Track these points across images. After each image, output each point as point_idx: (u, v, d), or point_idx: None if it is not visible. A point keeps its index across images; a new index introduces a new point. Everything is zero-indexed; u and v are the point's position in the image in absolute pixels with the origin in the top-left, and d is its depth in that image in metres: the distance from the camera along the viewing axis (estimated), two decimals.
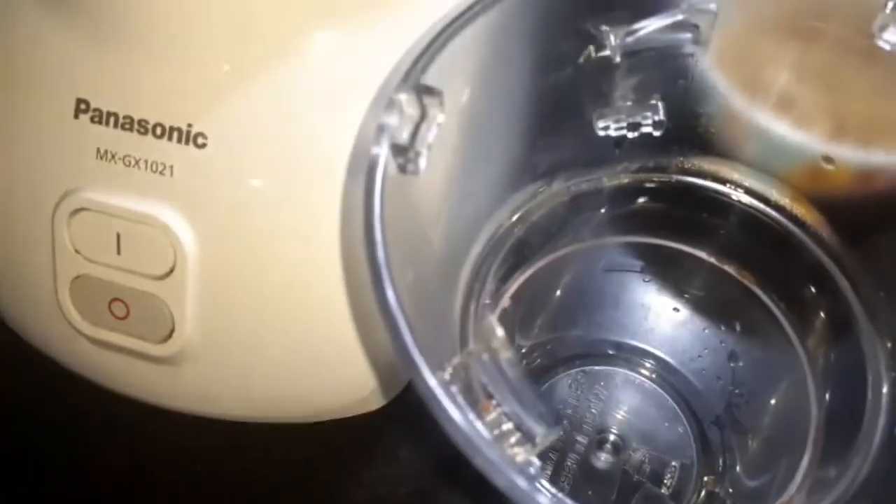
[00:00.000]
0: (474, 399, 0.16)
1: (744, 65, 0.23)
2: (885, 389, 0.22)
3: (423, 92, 0.16)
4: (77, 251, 0.23)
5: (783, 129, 0.23)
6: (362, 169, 0.16)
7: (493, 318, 0.16)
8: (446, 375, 0.15)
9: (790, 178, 0.24)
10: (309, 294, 0.22)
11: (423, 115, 0.16)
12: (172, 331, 0.22)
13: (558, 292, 0.26)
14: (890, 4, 0.19)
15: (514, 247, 0.23)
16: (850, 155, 0.23)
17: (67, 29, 0.22)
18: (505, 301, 0.23)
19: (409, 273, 0.15)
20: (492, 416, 0.16)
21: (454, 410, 0.14)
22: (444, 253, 0.19)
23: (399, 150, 0.16)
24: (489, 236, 0.22)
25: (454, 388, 0.15)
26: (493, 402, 0.16)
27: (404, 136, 0.16)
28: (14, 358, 0.26)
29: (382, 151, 0.16)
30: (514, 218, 0.23)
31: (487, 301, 0.20)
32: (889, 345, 0.23)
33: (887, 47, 0.20)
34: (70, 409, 0.27)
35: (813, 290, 0.25)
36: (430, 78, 0.17)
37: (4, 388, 0.29)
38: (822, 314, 0.25)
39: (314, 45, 0.22)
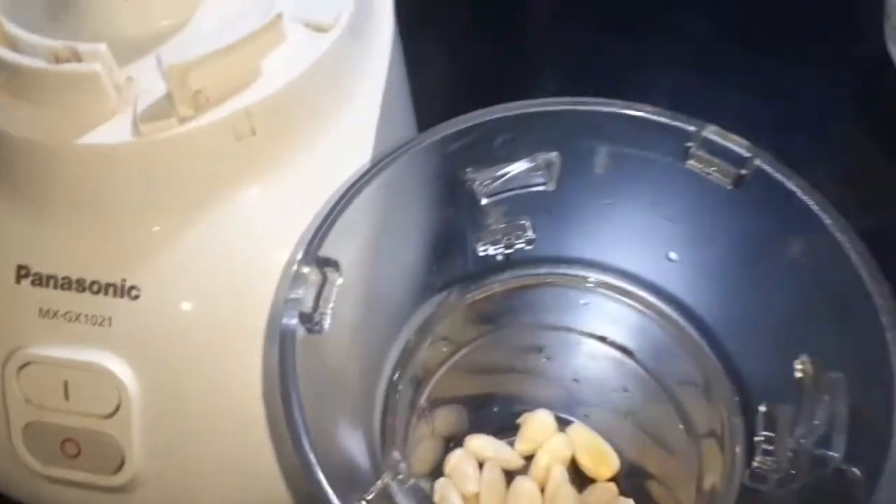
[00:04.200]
0: None
1: None
2: None
3: (322, 263, 0.20)
4: (28, 400, 0.25)
5: None
6: (276, 337, 0.19)
7: (395, 454, 0.19)
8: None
9: None
10: (242, 416, 0.25)
11: (324, 281, 0.20)
12: (123, 462, 0.25)
13: (470, 382, 0.30)
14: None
15: (423, 356, 0.26)
16: None
17: (5, 205, 0.24)
18: (422, 404, 0.26)
19: (324, 418, 0.18)
20: None
21: None
22: (357, 386, 0.22)
23: (306, 318, 0.19)
24: (398, 354, 0.25)
25: None
26: None
27: (309, 304, 0.19)
28: None
29: (292, 322, 0.19)
30: (419, 332, 0.26)
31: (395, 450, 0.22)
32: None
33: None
34: None
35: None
36: (328, 248, 0.20)
37: None
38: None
39: (233, 202, 0.24)
